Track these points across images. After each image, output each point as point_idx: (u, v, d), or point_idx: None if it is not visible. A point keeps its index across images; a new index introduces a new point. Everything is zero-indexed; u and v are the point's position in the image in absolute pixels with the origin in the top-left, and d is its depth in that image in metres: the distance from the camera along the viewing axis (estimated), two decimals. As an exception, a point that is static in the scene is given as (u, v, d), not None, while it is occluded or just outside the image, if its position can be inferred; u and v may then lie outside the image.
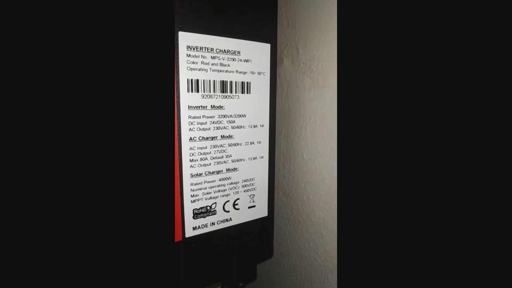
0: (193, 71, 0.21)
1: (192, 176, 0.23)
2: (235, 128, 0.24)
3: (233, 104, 0.24)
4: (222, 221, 0.25)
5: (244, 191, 0.26)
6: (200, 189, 0.23)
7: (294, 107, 0.31)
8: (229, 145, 0.24)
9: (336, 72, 0.25)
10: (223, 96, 0.23)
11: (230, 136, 0.24)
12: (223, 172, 0.24)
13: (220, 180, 0.24)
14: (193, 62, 0.21)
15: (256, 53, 0.24)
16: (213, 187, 0.24)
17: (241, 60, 0.24)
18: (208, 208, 0.24)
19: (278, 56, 0.30)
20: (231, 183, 0.25)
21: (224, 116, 0.23)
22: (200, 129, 0.22)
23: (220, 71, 0.23)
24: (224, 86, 0.23)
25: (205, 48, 0.22)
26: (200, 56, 0.21)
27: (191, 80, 0.21)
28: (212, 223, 0.25)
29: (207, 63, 0.22)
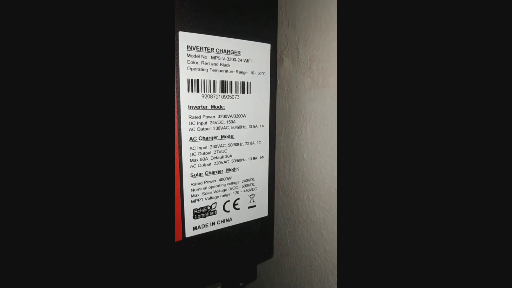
0: (193, 71, 0.21)
1: (192, 176, 0.23)
2: (235, 128, 0.24)
3: (233, 104, 0.24)
4: (222, 221, 0.25)
5: (244, 191, 0.26)
6: (200, 189, 0.23)
7: (294, 107, 0.31)
8: (229, 145, 0.24)
9: (336, 72, 0.25)
10: (223, 96, 0.23)
11: (230, 136, 0.24)
12: (223, 172, 0.24)
13: (220, 180, 0.24)
14: (193, 62, 0.21)
15: (256, 53, 0.24)
16: (213, 187, 0.24)
17: (241, 60, 0.24)
18: (208, 208, 0.24)
19: (278, 56, 0.30)
20: (231, 183, 0.25)
21: (224, 116, 0.23)
22: (200, 129, 0.22)
23: (220, 71, 0.23)
24: (224, 86, 0.23)
25: (205, 48, 0.22)
26: (200, 56, 0.21)
27: (191, 80, 0.21)
28: (212, 223, 0.25)
29: (207, 63, 0.22)
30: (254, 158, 0.26)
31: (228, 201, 0.25)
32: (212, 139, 0.23)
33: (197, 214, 0.24)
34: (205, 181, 0.24)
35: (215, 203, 0.25)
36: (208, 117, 0.23)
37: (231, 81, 0.23)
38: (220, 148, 0.24)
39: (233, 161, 0.25)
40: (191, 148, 0.22)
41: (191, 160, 0.22)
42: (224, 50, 0.23)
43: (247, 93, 0.24)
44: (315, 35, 0.27)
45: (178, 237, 0.23)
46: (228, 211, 0.25)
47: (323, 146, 0.28)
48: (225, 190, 0.25)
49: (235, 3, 0.23)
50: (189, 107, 0.22)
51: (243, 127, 0.25)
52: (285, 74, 0.31)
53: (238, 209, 0.26)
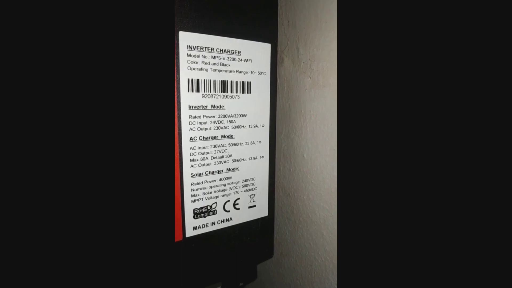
0: (193, 70, 0.21)
1: (192, 175, 0.23)
2: (235, 128, 0.24)
3: (234, 104, 0.24)
4: (223, 221, 0.25)
5: (245, 191, 0.26)
6: (201, 188, 0.23)
7: (294, 107, 0.31)
8: (230, 144, 0.24)
9: (336, 72, 0.25)
10: (224, 95, 0.23)
11: (230, 136, 0.24)
12: (223, 172, 0.24)
13: (220, 179, 0.24)
14: (194, 62, 0.21)
15: (257, 53, 0.24)
16: (213, 186, 0.24)
17: (241, 60, 0.24)
18: (209, 207, 0.24)
19: (278, 56, 0.30)
20: (232, 183, 0.25)
21: (225, 115, 0.23)
22: (200, 128, 0.22)
23: (221, 70, 0.23)
24: (224, 85, 0.23)
25: (205, 47, 0.22)
26: (201, 55, 0.21)
27: (192, 79, 0.21)
28: (213, 223, 0.25)
29: (208, 63, 0.22)
30: (254, 158, 0.26)
31: (228, 201, 0.25)
32: (213, 139, 0.23)
33: (197, 214, 0.24)
34: (205, 181, 0.24)
35: (215, 203, 0.25)
36: (208, 117, 0.23)
37: (231, 81, 0.23)
38: (220, 148, 0.24)
39: (233, 161, 0.25)
40: (191, 148, 0.22)
41: (192, 160, 0.22)
42: (225, 50, 0.23)
43: (248, 93, 0.24)
44: (315, 35, 0.27)
45: (178, 237, 0.23)
46: (228, 211, 0.25)
47: (323, 146, 0.28)
48: (225, 190, 0.25)
49: (235, 3, 0.23)
50: (190, 107, 0.22)
51: (243, 127, 0.25)
52: (285, 74, 0.31)
53: (238, 209, 0.26)
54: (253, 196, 0.27)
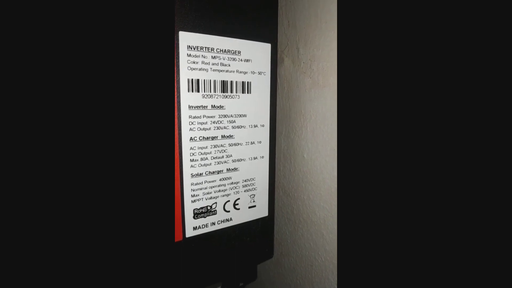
0: (193, 70, 0.21)
1: (192, 176, 0.23)
2: (235, 128, 0.24)
3: (234, 104, 0.24)
4: (223, 221, 0.25)
5: (245, 191, 0.26)
6: (201, 189, 0.23)
7: (294, 107, 0.31)
8: (230, 145, 0.24)
9: (337, 72, 0.25)
10: (224, 96, 0.23)
11: (230, 136, 0.24)
12: (223, 172, 0.24)
13: (220, 180, 0.24)
14: (194, 62, 0.21)
15: (257, 53, 0.24)
16: (213, 187, 0.24)
17: (241, 60, 0.24)
18: (209, 208, 0.24)
19: (278, 56, 0.30)
20: (232, 183, 0.25)
21: (225, 116, 0.23)
22: (200, 129, 0.22)
23: (221, 71, 0.23)
24: (224, 86, 0.23)
25: (205, 48, 0.22)
26: (201, 56, 0.21)
27: (192, 80, 0.21)
28: (213, 223, 0.25)
29: (208, 63, 0.22)
30: (255, 158, 0.26)
31: (229, 201, 0.25)
32: (213, 139, 0.23)
33: (197, 214, 0.24)
34: (205, 181, 0.23)
35: (216, 203, 0.24)
36: (208, 117, 0.23)
37: (231, 81, 0.23)
38: (220, 148, 0.24)
39: (233, 161, 0.25)
40: (191, 148, 0.22)
41: (192, 160, 0.22)
42: (225, 50, 0.23)
43: (248, 93, 0.24)
44: (315, 35, 0.27)
45: (178, 237, 0.23)
46: (229, 211, 0.25)
47: (324, 146, 0.28)
48: (225, 190, 0.25)
49: (235, 3, 0.23)
50: (190, 107, 0.22)
51: (244, 127, 0.25)
52: (285, 74, 0.31)
53: (239, 209, 0.26)
54: (253, 196, 0.27)
